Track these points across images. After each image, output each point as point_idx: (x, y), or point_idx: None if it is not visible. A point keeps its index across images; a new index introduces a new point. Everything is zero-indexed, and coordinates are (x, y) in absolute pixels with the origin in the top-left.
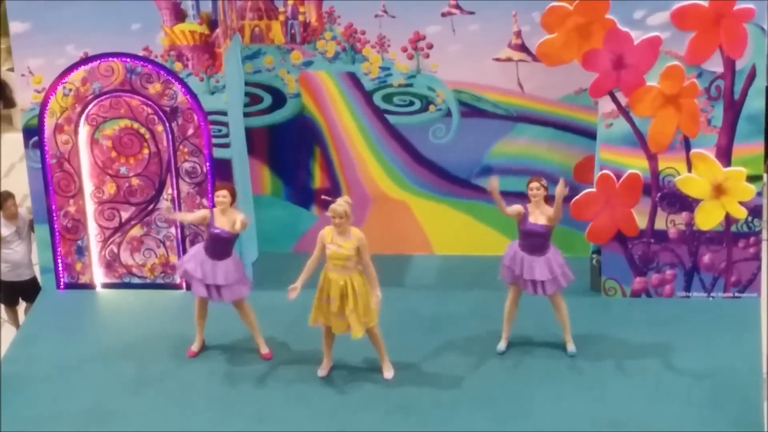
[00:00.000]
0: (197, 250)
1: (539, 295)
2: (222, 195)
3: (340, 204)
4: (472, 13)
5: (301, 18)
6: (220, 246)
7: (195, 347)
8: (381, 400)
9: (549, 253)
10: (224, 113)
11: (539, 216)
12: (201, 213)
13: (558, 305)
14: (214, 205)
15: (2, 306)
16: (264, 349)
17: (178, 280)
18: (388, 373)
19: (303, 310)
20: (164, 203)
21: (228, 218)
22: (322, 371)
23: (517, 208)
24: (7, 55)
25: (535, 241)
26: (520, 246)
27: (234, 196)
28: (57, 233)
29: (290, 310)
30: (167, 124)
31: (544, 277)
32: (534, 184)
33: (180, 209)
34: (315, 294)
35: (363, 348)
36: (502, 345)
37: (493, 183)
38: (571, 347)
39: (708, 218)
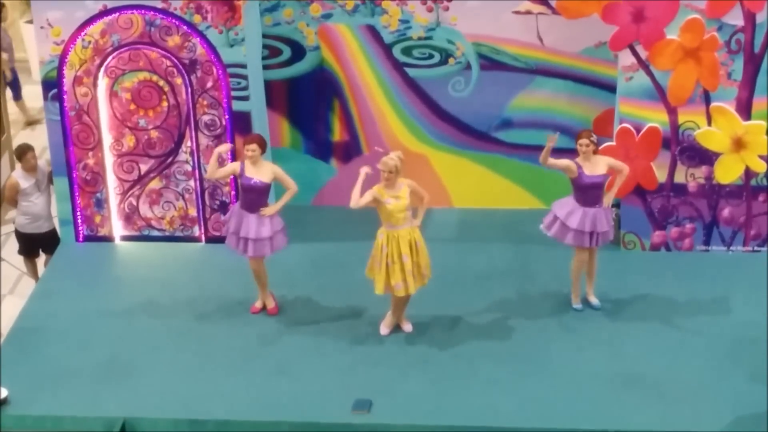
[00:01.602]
0: (233, 208)
1: (596, 246)
2: (252, 149)
3: (391, 158)
4: None
5: None
6: (256, 197)
7: (259, 303)
8: (400, 353)
9: (605, 204)
10: (243, 66)
11: (593, 167)
12: (230, 166)
13: (593, 257)
14: (235, 159)
15: (22, 258)
16: (270, 303)
17: (196, 233)
18: (408, 325)
19: (323, 263)
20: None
21: (259, 169)
22: (384, 329)
23: (566, 162)
24: (26, 8)
25: (596, 193)
26: (578, 201)
27: (264, 148)
28: (76, 186)
29: (309, 263)
30: (186, 77)
31: (607, 228)
32: (584, 141)
33: (199, 162)
34: (375, 261)
35: (382, 302)
36: (579, 303)
37: (552, 139)
38: (595, 300)
39: (727, 172)
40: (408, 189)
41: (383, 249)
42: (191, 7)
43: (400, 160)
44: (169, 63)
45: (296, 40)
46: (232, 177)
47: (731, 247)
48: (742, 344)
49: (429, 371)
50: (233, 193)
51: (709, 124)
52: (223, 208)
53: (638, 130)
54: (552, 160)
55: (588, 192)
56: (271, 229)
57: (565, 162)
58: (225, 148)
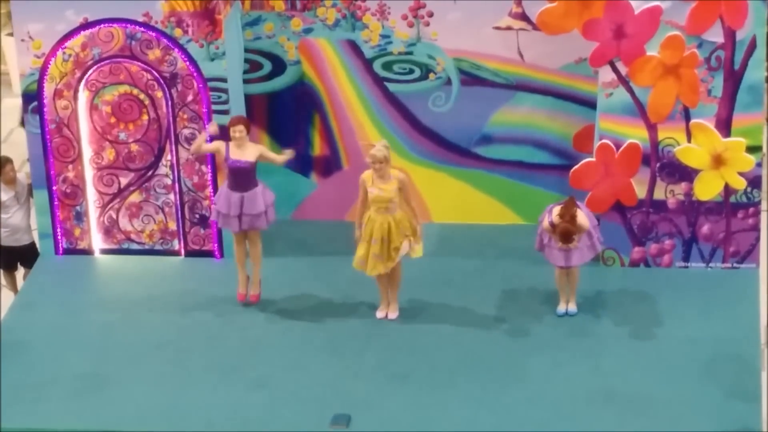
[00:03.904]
0: (221, 189)
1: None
2: (239, 130)
3: (379, 149)
4: None
5: None
6: (242, 177)
7: (241, 289)
8: (378, 368)
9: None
10: (224, 80)
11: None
12: (215, 144)
13: (573, 271)
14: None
15: (1, 271)
16: (255, 290)
17: (176, 247)
18: (394, 313)
19: (302, 277)
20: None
21: (243, 150)
22: (380, 312)
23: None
24: (6, 20)
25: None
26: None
27: (249, 129)
28: (56, 199)
29: (290, 277)
30: (167, 91)
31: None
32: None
33: (179, 176)
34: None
35: (362, 316)
36: (560, 307)
37: None
38: (572, 308)
39: (707, 188)
40: (397, 184)
41: (362, 226)
42: (172, 20)
43: (387, 150)
44: (149, 76)
45: (277, 54)
46: (211, 193)
47: (710, 264)
48: (721, 360)
49: (408, 386)
50: (213, 207)
51: (689, 140)
52: (203, 221)
53: (618, 147)
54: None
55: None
56: (264, 204)
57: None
58: (214, 128)
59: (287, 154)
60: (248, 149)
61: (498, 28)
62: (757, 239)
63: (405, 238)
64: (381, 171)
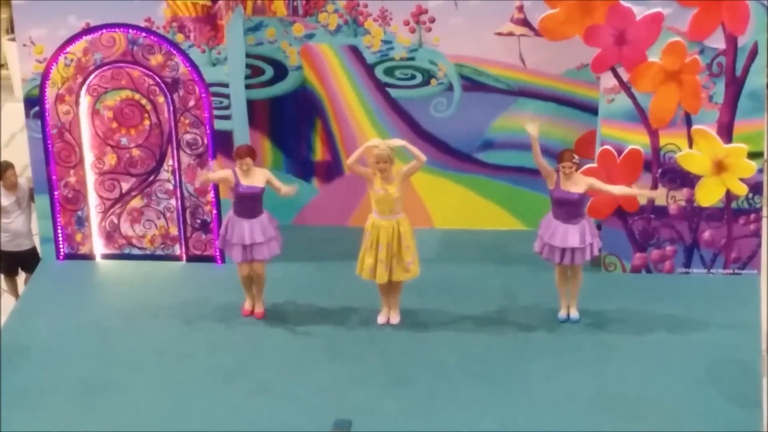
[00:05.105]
0: (229, 217)
1: (568, 263)
2: (247, 163)
3: (383, 149)
4: None
5: None
6: (250, 204)
7: (247, 306)
8: (380, 373)
9: (584, 220)
10: (226, 85)
11: (571, 185)
12: (223, 173)
13: (576, 275)
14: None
15: (2, 276)
16: (259, 308)
17: (177, 252)
18: (395, 318)
19: (303, 282)
20: (200, 174)
21: (252, 177)
22: (381, 318)
23: (550, 170)
24: (8, 25)
25: (567, 209)
26: (553, 215)
27: (255, 157)
28: (57, 203)
29: (291, 282)
30: (168, 96)
31: (575, 244)
32: (566, 164)
33: (181, 181)
34: (361, 245)
35: (363, 321)
36: (562, 313)
37: (533, 129)
38: (574, 314)
39: (708, 195)
40: (400, 178)
41: (367, 233)
42: (174, 25)
43: (391, 150)
44: (151, 81)
45: (279, 59)
46: (213, 199)
47: (712, 270)
48: (722, 366)
49: (409, 391)
50: (215, 212)
51: (691, 146)
52: (204, 227)
53: (620, 152)
54: (542, 161)
55: (559, 206)
56: (273, 231)
57: (550, 169)
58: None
59: (291, 188)
60: (256, 175)
61: (500, 33)
62: (759, 245)
63: None
64: (385, 172)
